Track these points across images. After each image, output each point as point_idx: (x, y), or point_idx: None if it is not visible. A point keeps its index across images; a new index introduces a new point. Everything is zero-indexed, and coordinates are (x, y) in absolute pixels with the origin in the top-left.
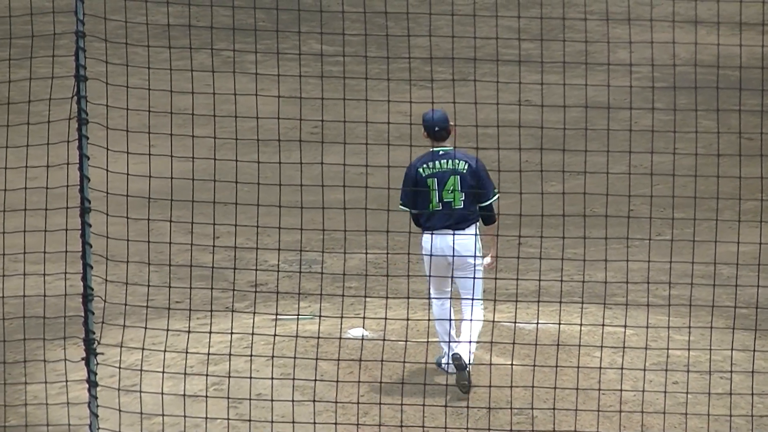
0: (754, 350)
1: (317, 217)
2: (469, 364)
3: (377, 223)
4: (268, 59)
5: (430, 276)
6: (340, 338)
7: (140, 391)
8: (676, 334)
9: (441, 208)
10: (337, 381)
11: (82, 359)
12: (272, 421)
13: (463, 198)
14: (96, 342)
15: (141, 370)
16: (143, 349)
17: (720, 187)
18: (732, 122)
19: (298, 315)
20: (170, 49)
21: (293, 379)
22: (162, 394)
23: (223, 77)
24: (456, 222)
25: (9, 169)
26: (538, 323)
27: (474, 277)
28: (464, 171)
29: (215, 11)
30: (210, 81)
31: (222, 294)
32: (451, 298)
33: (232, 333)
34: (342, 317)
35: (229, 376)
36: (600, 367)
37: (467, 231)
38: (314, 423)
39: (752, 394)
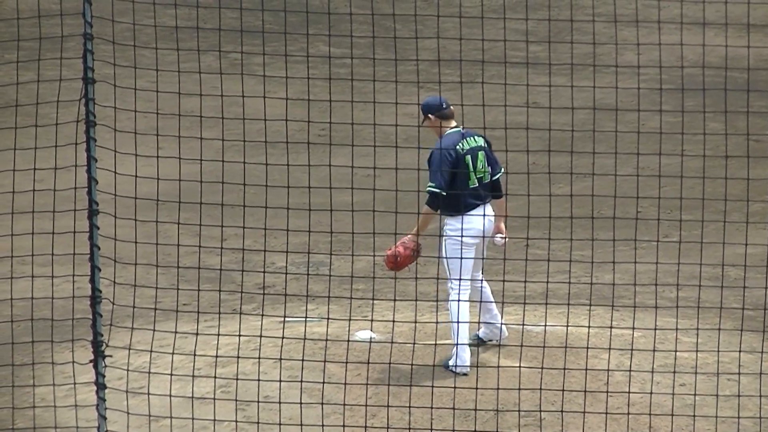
0: (762, 352)
1: (325, 219)
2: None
3: (385, 225)
4: (276, 61)
5: (462, 263)
6: (348, 340)
7: (148, 394)
8: (684, 336)
9: (477, 185)
10: (345, 383)
11: (90, 362)
12: (280, 424)
13: (490, 172)
14: (104, 344)
15: (149, 373)
16: (151, 351)
17: (727, 189)
18: (739, 124)
19: (306, 317)
20: (178, 51)
21: (301, 381)
22: (170, 396)
23: (230, 79)
24: (486, 199)
25: (17, 171)
26: (545, 325)
27: (483, 257)
28: (485, 147)
29: (223, 13)
30: (217, 83)
31: (229, 296)
32: (482, 280)
33: (239, 335)
34: (350, 319)
35: (237, 379)
36: (608, 369)
37: (491, 207)
38: (322, 425)
39: (760, 396)
